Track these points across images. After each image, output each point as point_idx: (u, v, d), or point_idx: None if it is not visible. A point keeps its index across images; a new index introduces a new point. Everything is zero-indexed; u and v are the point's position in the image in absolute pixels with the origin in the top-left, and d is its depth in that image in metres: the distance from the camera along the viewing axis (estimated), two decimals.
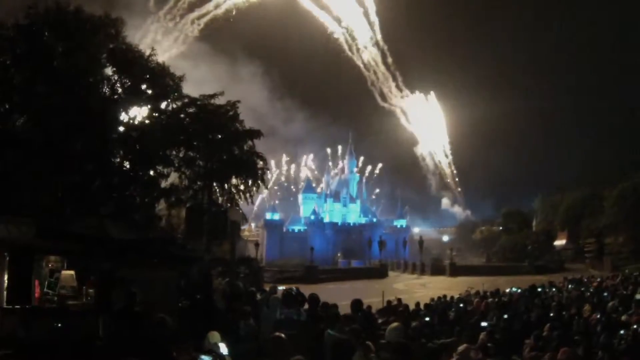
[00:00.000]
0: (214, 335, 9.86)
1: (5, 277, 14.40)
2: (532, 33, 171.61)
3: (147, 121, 33.96)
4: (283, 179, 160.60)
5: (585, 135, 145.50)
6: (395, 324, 10.69)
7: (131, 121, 33.27)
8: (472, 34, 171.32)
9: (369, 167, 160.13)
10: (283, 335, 9.04)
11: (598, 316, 18.99)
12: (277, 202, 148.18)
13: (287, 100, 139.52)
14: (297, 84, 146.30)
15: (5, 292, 14.27)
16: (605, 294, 27.86)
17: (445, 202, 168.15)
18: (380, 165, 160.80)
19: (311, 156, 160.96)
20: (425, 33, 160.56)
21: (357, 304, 15.13)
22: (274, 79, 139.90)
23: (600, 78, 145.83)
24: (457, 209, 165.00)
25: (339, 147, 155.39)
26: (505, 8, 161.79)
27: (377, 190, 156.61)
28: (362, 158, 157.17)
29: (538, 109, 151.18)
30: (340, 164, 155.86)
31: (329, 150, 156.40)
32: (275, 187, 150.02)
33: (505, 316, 19.53)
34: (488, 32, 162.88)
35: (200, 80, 36.44)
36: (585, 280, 39.87)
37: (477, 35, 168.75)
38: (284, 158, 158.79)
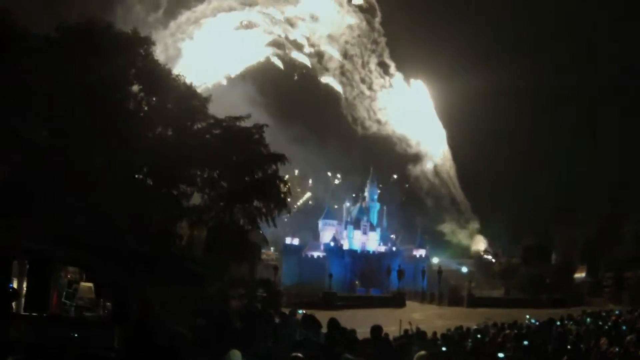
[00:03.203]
0: (235, 354, 9.63)
1: (24, 285, 14.40)
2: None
3: (172, 140, 34.13)
4: (303, 203, 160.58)
5: (605, 169, 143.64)
6: (422, 352, 10.48)
7: (155, 139, 33.44)
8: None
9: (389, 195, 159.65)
10: (301, 355, 8.87)
11: (616, 349, 18.67)
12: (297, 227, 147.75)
13: (294, 129, 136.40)
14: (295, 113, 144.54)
15: (23, 299, 14.25)
16: (624, 327, 27.36)
17: (447, 228, 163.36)
18: (394, 177, 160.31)
19: (332, 182, 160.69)
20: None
21: (376, 330, 14.88)
22: (273, 109, 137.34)
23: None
24: (462, 236, 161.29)
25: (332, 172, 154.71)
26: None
27: (396, 219, 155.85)
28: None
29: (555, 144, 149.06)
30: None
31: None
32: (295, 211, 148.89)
33: (523, 347, 19.22)
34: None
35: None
36: (604, 314, 39.19)
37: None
38: (310, 183, 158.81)
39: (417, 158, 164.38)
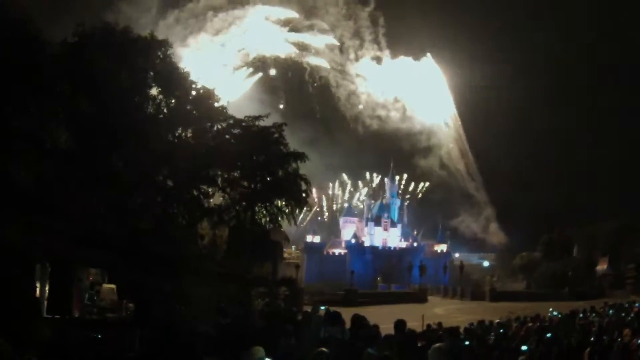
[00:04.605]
0: (259, 350, 9.59)
1: (47, 287, 14.48)
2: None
3: (192, 141, 34.23)
4: (325, 202, 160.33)
5: (626, 161, 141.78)
6: (439, 344, 10.38)
7: (176, 140, 33.54)
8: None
9: (409, 188, 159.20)
10: (326, 350, 8.84)
11: (639, 341, 18.51)
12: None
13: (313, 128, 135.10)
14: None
15: (45, 302, 14.33)
16: None
17: (462, 220, 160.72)
18: (418, 183, 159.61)
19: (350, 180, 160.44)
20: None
21: (400, 324, 14.82)
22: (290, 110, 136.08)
23: None
24: (475, 227, 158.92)
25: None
26: None
27: (417, 214, 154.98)
28: (404, 179, 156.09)
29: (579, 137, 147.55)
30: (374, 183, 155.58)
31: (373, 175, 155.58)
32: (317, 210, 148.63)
33: (546, 340, 19.10)
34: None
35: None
36: (626, 305, 38.79)
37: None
38: (333, 185, 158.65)
39: (427, 151, 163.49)
